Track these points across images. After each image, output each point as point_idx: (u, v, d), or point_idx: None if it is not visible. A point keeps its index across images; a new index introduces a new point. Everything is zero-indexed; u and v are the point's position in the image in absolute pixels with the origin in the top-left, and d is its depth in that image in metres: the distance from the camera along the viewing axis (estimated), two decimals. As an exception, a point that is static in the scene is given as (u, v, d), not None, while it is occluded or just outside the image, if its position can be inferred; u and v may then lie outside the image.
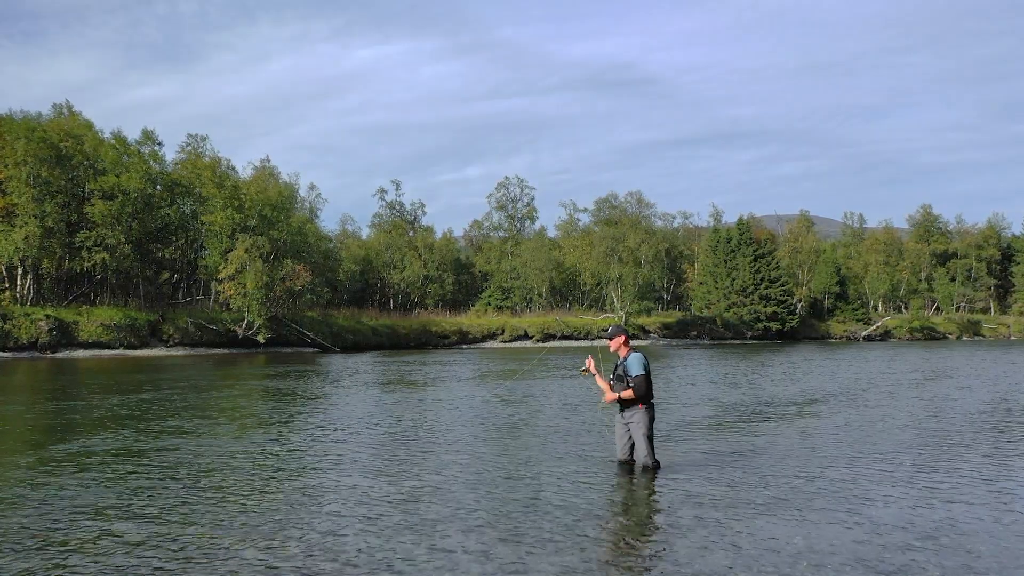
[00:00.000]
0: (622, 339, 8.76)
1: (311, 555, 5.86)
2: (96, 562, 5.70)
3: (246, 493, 7.79)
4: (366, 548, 6.02)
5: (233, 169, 54.05)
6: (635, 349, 8.72)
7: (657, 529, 6.65)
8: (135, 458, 9.77)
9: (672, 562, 5.75)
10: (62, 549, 5.99)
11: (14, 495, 7.73)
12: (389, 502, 7.44)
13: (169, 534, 6.35)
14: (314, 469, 9.10)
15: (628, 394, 8.39)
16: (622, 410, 8.65)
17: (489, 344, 58.79)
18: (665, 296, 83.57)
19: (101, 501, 7.48)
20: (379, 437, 11.54)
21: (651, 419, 8.55)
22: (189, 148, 53.55)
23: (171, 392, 18.92)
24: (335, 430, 12.29)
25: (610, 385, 8.73)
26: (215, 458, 9.75)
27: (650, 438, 8.54)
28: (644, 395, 8.42)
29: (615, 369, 8.67)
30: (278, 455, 9.98)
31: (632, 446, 8.68)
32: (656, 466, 8.53)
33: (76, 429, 12.61)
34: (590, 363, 8.97)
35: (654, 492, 7.89)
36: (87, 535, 6.34)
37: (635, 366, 8.43)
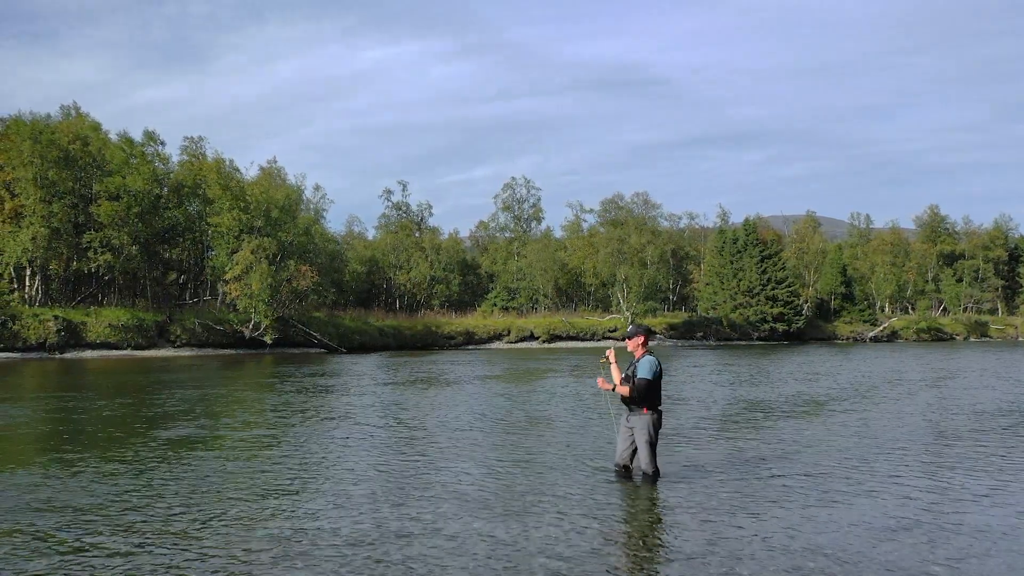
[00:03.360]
0: (641, 339, 8.55)
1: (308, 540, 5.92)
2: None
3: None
4: (363, 545, 6.07)
5: (237, 170, 54.24)
6: (650, 352, 8.54)
7: (657, 534, 6.66)
8: (246, 443, 10.61)
9: (674, 567, 5.77)
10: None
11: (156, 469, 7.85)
12: (388, 507, 7.48)
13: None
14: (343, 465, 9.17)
15: (623, 390, 8.27)
16: (628, 413, 8.49)
17: (495, 345, 58.82)
18: (671, 297, 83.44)
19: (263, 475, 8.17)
20: (383, 439, 11.61)
21: (656, 426, 8.37)
22: (189, 150, 53.73)
23: (210, 390, 19.71)
24: (366, 431, 12.37)
25: (621, 382, 8.62)
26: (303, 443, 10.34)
27: (653, 445, 8.37)
28: (642, 399, 8.24)
29: (628, 368, 8.53)
30: (326, 446, 10.15)
31: (634, 452, 8.53)
32: (656, 475, 8.36)
33: (157, 422, 13.62)
34: (611, 354, 8.82)
35: (655, 497, 7.85)
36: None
37: (644, 369, 8.29)
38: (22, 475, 8.95)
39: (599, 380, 8.69)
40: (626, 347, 8.75)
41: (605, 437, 11.17)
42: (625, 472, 8.58)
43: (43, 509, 7.35)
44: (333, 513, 7.18)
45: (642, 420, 8.31)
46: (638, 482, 8.37)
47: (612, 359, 8.83)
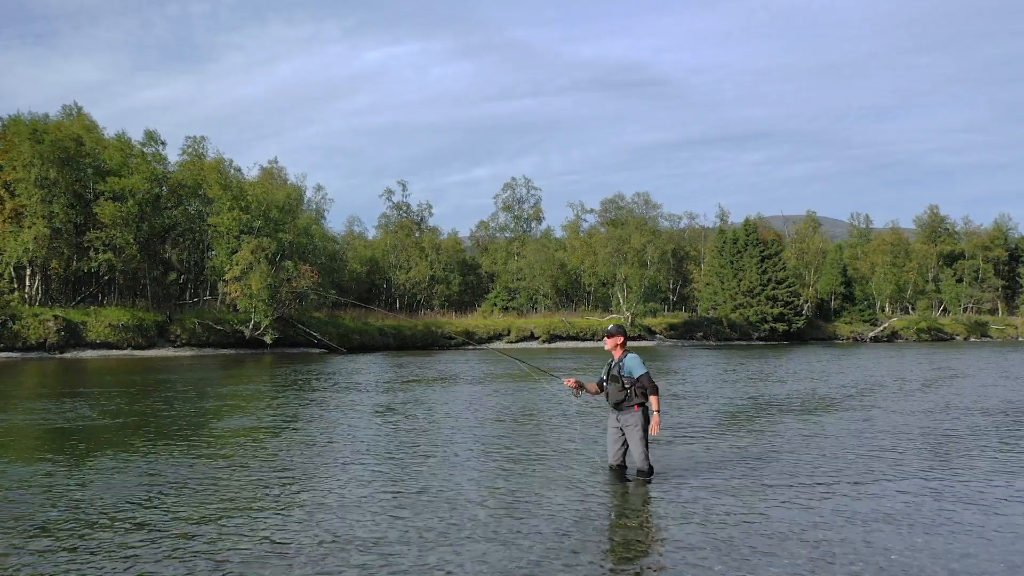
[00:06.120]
0: (620, 339, 8.61)
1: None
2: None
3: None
4: (361, 549, 6.08)
5: (237, 170, 54.23)
6: (630, 351, 8.60)
7: (656, 532, 6.64)
8: (313, 434, 11.07)
9: (672, 565, 5.76)
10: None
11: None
12: (382, 512, 7.49)
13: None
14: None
15: (655, 400, 8.26)
16: (618, 413, 8.46)
17: (495, 345, 58.81)
18: (671, 297, 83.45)
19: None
20: (377, 441, 11.63)
21: (648, 421, 8.37)
22: (190, 150, 53.74)
23: (229, 388, 20.67)
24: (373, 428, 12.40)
25: (600, 385, 8.65)
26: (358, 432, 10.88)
27: (646, 441, 8.39)
28: (652, 391, 8.29)
29: (608, 369, 8.52)
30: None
31: (625, 451, 8.53)
32: (650, 471, 8.37)
33: (201, 416, 14.41)
34: (572, 383, 8.66)
35: (650, 497, 7.79)
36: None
37: (638, 366, 8.32)
38: (123, 460, 9.74)
39: (567, 380, 8.64)
40: (605, 346, 8.75)
41: (602, 436, 11.15)
42: (619, 472, 8.58)
43: (156, 486, 8.23)
44: (345, 511, 7.21)
45: (633, 417, 8.34)
46: (634, 480, 8.35)
47: (575, 385, 8.67)
